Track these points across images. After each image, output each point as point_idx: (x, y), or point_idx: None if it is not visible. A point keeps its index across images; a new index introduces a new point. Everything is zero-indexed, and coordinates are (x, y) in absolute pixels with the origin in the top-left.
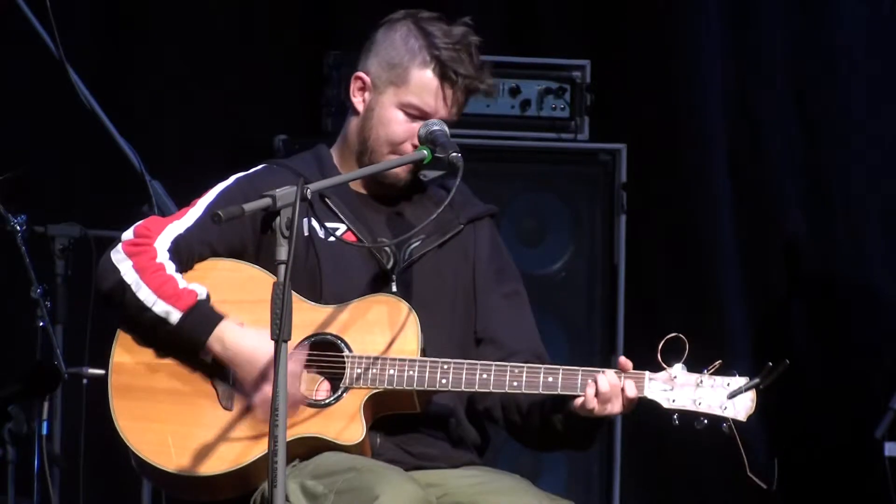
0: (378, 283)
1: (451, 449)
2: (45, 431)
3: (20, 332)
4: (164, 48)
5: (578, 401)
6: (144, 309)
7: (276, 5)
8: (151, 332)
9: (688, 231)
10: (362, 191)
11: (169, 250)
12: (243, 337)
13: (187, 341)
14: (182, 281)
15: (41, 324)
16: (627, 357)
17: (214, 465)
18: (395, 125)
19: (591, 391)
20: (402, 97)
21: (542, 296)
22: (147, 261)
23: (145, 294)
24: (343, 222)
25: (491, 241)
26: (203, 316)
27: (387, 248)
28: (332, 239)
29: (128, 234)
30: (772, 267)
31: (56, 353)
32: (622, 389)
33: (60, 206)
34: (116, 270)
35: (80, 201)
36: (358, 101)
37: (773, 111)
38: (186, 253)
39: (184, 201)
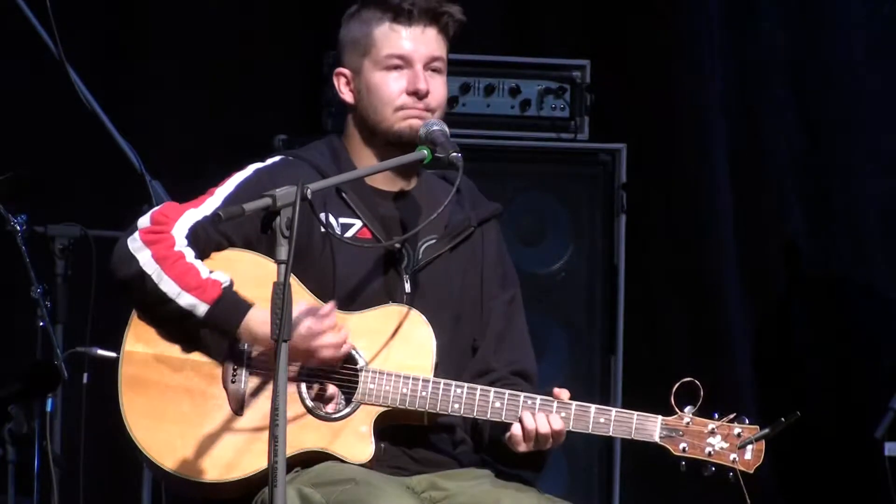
0: (391, 283)
1: (455, 454)
2: (49, 408)
3: (20, 332)
4: (165, 48)
5: (510, 436)
6: (167, 301)
7: (276, 5)
8: (175, 323)
9: (688, 231)
10: (378, 185)
11: (187, 237)
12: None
13: (216, 332)
14: (204, 269)
15: (41, 324)
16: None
17: (220, 474)
18: (384, 86)
19: (518, 430)
20: (376, 57)
21: (542, 296)
22: (166, 249)
23: (168, 286)
24: (359, 218)
25: (497, 244)
26: (230, 306)
27: (400, 246)
28: (347, 236)
29: (144, 221)
30: (772, 267)
31: (56, 353)
32: (550, 426)
33: (60, 206)
34: (134, 259)
35: (80, 201)
36: (347, 94)
37: (773, 111)
38: (204, 241)
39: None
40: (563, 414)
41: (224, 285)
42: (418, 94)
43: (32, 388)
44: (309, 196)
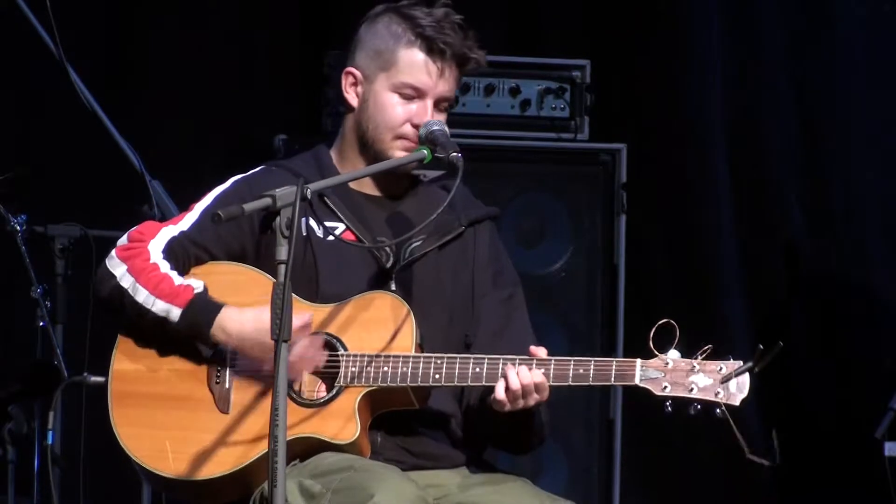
0: (376, 283)
1: (452, 449)
2: (50, 441)
3: (20, 332)
4: (164, 48)
5: (493, 398)
6: (144, 311)
7: (275, 5)
8: (154, 332)
9: (688, 231)
10: (366, 190)
11: (163, 251)
12: (243, 320)
13: (190, 335)
14: (178, 278)
15: (41, 324)
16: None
17: (212, 469)
18: (391, 109)
19: (500, 389)
20: (394, 79)
21: (542, 296)
22: (142, 262)
23: (143, 296)
24: (342, 221)
25: (490, 244)
26: (202, 308)
27: (386, 248)
28: (330, 238)
29: (122, 240)
30: (772, 267)
31: (56, 353)
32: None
33: (60, 206)
34: (112, 276)
35: (80, 201)
36: (351, 96)
37: (773, 111)
38: (182, 255)
39: (184, 201)
40: (542, 370)
41: (196, 290)
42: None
43: (32, 388)
44: (308, 196)
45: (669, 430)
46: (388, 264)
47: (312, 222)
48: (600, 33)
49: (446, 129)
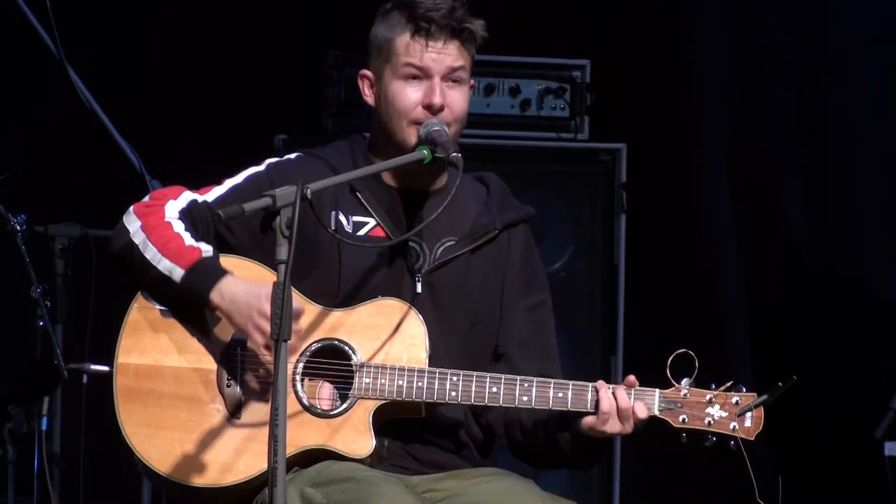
0: (402, 283)
1: (457, 454)
2: (44, 427)
3: (20, 332)
4: (165, 48)
5: (588, 419)
6: (150, 267)
7: (276, 5)
8: (158, 290)
9: (688, 231)
10: (399, 184)
11: (181, 211)
12: (239, 286)
13: (191, 298)
14: (189, 239)
15: (41, 324)
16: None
17: (221, 477)
18: (401, 95)
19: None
20: (396, 66)
21: None
22: (156, 220)
23: (151, 252)
24: (373, 217)
25: (524, 250)
26: (205, 272)
27: (416, 247)
28: (359, 234)
29: (143, 198)
30: (772, 267)
31: (56, 353)
32: (633, 411)
33: (60, 206)
34: (126, 231)
35: (80, 201)
36: (369, 97)
37: (773, 111)
38: (200, 221)
39: None
40: (560, 394)
41: (204, 253)
42: (432, 109)
43: (32, 388)
44: (308, 196)
45: (669, 431)
46: (418, 265)
47: (342, 217)
48: (600, 33)
49: (447, 128)
